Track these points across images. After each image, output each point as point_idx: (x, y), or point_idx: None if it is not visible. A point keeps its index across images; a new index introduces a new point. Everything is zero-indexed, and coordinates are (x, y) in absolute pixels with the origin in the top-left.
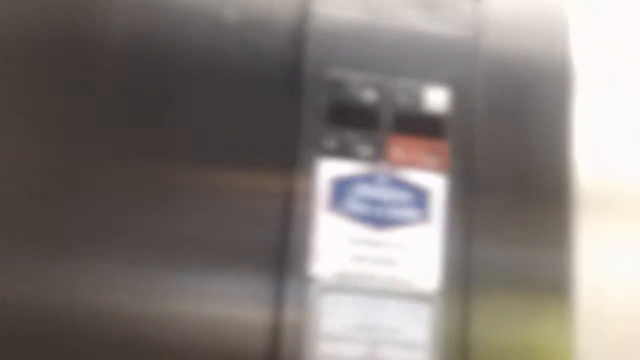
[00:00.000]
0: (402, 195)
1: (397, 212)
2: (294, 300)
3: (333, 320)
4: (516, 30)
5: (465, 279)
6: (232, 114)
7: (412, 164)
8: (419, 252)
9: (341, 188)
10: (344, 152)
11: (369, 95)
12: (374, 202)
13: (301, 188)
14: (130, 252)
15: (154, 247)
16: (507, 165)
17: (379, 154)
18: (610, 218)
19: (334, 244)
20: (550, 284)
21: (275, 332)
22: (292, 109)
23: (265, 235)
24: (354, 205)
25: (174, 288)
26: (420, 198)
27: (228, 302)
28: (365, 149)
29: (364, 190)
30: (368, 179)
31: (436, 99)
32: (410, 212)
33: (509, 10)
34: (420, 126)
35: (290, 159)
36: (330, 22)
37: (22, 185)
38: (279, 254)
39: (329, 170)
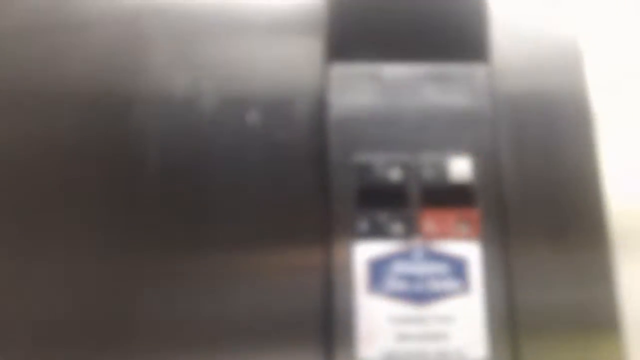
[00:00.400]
0: (439, 268)
1: (436, 285)
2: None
3: None
4: (532, 84)
5: (513, 339)
6: (264, 206)
7: (445, 236)
8: (463, 322)
9: (378, 268)
10: (377, 232)
11: (395, 174)
12: (412, 278)
13: (339, 272)
14: (179, 339)
15: (201, 334)
16: (541, 217)
17: (411, 230)
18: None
19: (377, 325)
20: (599, 324)
21: None
22: (322, 197)
23: (308, 321)
24: (393, 283)
25: None
26: (457, 268)
27: None
28: (397, 227)
29: (401, 267)
30: (403, 256)
31: (461, 168)
32: (449, 284)
33: (523, 65)
34: (449, 197)
35: (325, 244)
36: (348, 109)
37: (85, 290)
38: (324, 339)
39: (365, 251)
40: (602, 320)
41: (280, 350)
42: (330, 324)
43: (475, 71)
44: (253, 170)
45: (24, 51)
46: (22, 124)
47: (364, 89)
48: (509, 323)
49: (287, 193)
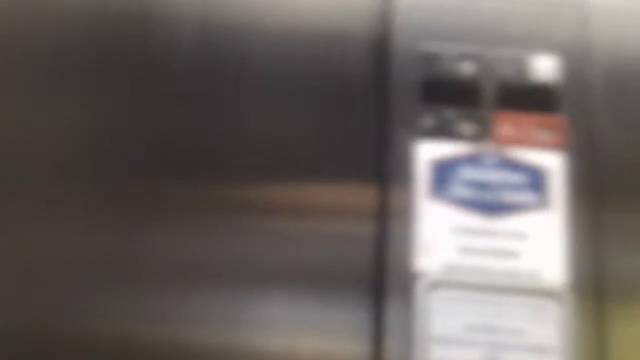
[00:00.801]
0: (515, 177)
1: (510, 197)
2: (399, 299)
3: (444, 321)
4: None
5: (597, 272)
6: (318, 106)
7: (523, 142)
8: (540, 241)
9: (443, 171)
10: (443, 132)
11: (467, 68)
12: (482, 186)
13: (398, 175)
14: (213, 283)
15: (238, 277)
16: (631, 143)
17: (483, 133)
18: None
19: (439, 234)
20: None
21: (379, 336)
22: (382, 88)
23: (363, 230)
24: (459, 190)
25: (262, 319)
26: (536, 180)
27: (326, 322)
28: (467, 128)
29: (470, 172)
30: (473, 160)
31: (545, 68)
32: (526, 196)
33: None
34: (529, 99)
35: (384, 143)
36: None
37: (95, 220)
38: (378, 247)
39: (428, 152)
40: None
41: (330, 266)
42: (385, 233)
43: None
44: (302, 60)
45: None
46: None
47: None
48: (594, 250)
49: (341, 86)
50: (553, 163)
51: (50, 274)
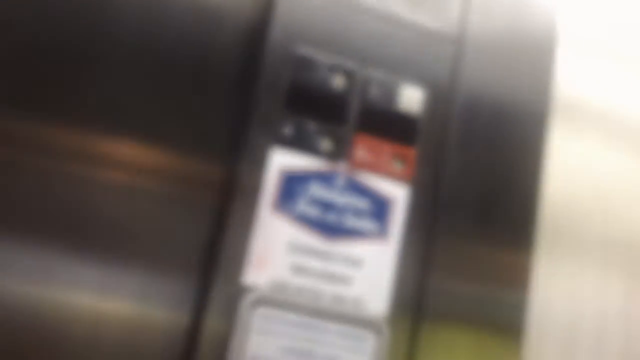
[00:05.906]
0: (360, 202)
1: (352, 221)
2: (220, 310)
3: (261, 339)
4: (500, 50)
5: (417, 307)
6: (176, 83)
7: (375, 169)
8: (372, 270)
9: (292, 184)
10: (300, 143)
11: (337, 82)
12: (327, 206)
13: (245, 179)
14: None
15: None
16: (474, 189)
17: (339, 152)
18: (566, 254)
19: (274, 248)
20: (504, 322)
21: (193, 343)
22: (247, 87)
23: (195, 231)
24: (303, 205)
25: (75, 281)
26: (379, 208)
27: (141, 301)
28: (325, 143)
29: (318, 190)
30: (324, 177)
31: (411, 98)
32: (367, 223)
33: (495, 17)
34: (391, 126)
35: (237, 145)
36: None
37: None
38: (209, 254)
39: (280, 161)
40: (506, 321)
41: (149, 263)
42: (220, 239)
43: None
44: (172, 39)
45: None
46: None
47: None
48: (418, 284)
49: (204, 69)
50: (398, 194)
51: None
